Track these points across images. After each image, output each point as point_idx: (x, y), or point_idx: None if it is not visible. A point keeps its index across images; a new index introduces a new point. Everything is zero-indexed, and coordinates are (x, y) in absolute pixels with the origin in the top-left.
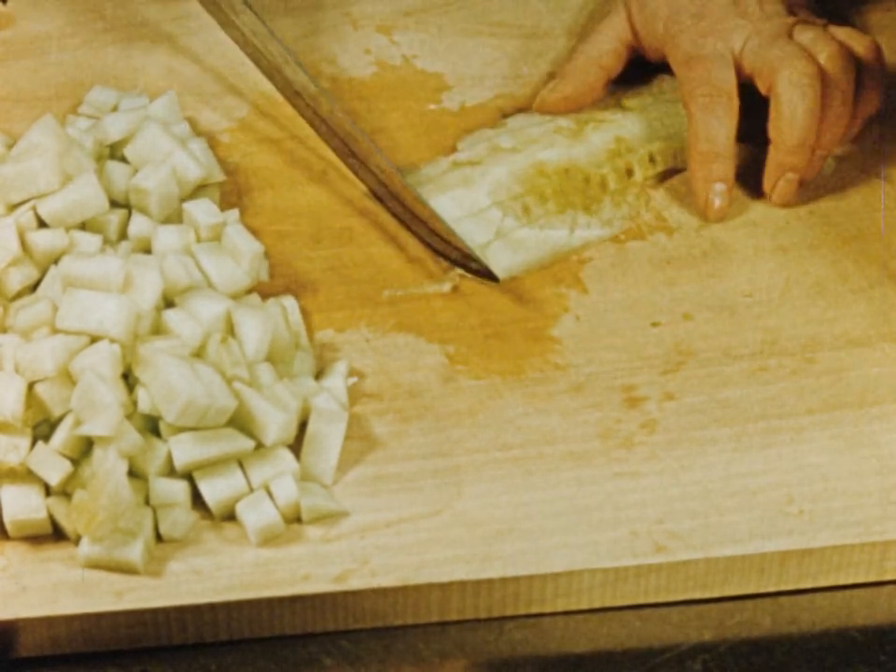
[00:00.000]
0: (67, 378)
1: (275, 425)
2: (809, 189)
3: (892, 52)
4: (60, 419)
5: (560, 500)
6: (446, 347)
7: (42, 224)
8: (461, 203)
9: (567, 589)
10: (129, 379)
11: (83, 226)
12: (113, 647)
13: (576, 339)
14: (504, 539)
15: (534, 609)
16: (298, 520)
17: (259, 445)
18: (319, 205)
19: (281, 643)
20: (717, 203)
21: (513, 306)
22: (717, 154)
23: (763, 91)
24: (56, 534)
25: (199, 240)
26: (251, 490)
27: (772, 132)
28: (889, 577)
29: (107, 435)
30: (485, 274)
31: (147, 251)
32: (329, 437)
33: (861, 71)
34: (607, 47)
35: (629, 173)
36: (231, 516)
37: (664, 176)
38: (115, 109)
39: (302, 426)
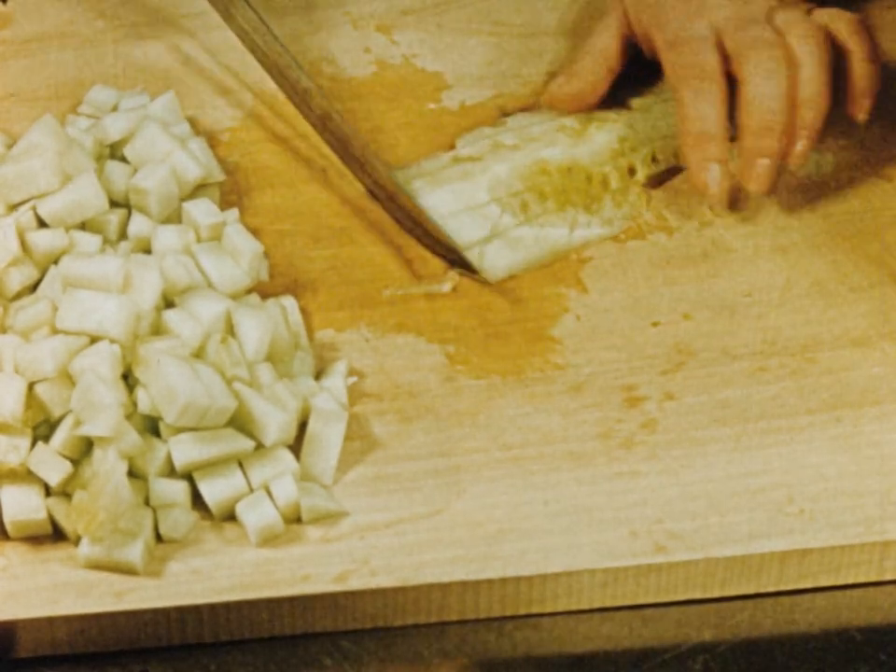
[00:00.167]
0: (67, 378)
1: (275, 425)
2: (809, 189)
3: (893, 52)
4: (60, 420)
5: (560, 500)
6: (446, 347)
7: (42, 224)
8: (460, 197)
9: (567, 589)
10: (129, 379)
11: (83, 226)
12: (113, 647)
13: (576, 339)
14: (504, 539)
15: (534, 609)
16: (298, 520)
17: (259, 445)
18: (319, 205)
19: (281, 643)
20: (714, 183)
21: (513, 306)
22: (710, 135)
23: (735, 75)
24: (56, 534)
25: (199, 240)
26: (251, 490)
27: (739, 116)
28: (888, 577)
29: (107, 435)
30: (474, 272)
31: (147, 251)
32: (328, 437)
33: (848, 51)
34: (609, 42)
35: (631, 172)
36: (230, 516)
37: (665, 176)
38: (115, 109)
39: (302, 426)
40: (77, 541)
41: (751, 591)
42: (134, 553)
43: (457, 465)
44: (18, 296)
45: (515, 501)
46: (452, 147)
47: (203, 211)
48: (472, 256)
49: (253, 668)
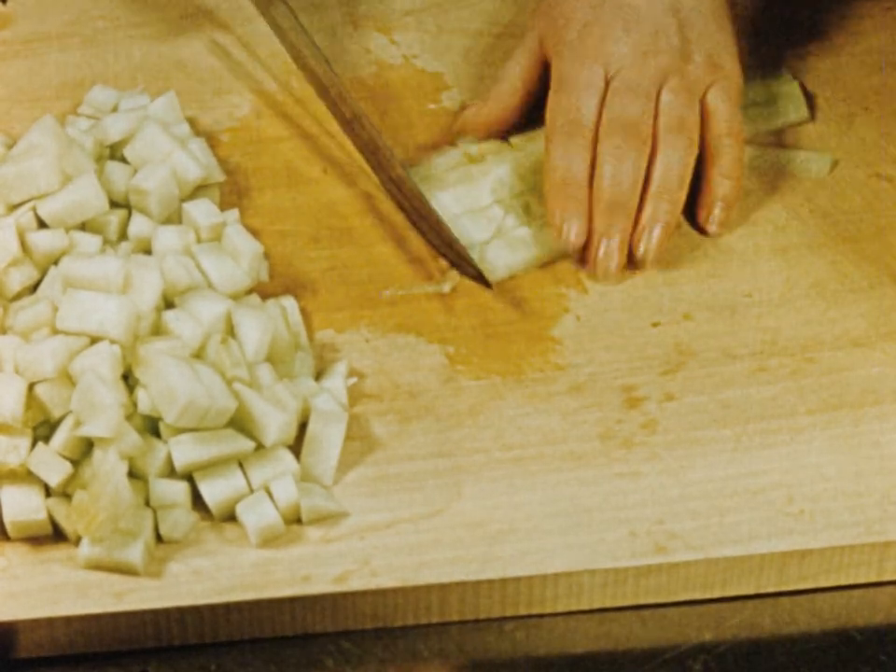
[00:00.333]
0: (67, 379)
1: (275, 425)
2: (809, 189)
3: (892, 53)
4: (60, 420)
5: (560, 501)
6: (446, 347)
7: (42, 225)
8: (463, 200)
9: (568, 589)
10: (129, 380)
11: (83, 226)
12: (113, 647)
13: (576, 339)
14: (504, 539)
15: (534, 610)
16: (298, 521)
17: (260, 446)
18: (319, 205)
19: (281, 644)
20: (571, 234)
21: (513, 306)
22: (571, 185)
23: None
24: (56, 535)
25: (199, 240)
26: (251, 491)
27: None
28: (888, 577)
29: (107, 436)
30: (479, 279)
31: (147, 252)
32: (329, 437)
33: (711, 155)
34: (524, 67)
35: None
36: (231, 517)
37: None
38: (115, 109)
39: (302, 426)
40: (77, 542)
41: (751, 591)
42: (135, 553)
43: (457, 465)
44: (18, 296)
45: (515, 501)
46: (452, 146)
47: (203, 211)
48: (473, 257)
49: (253, 668)
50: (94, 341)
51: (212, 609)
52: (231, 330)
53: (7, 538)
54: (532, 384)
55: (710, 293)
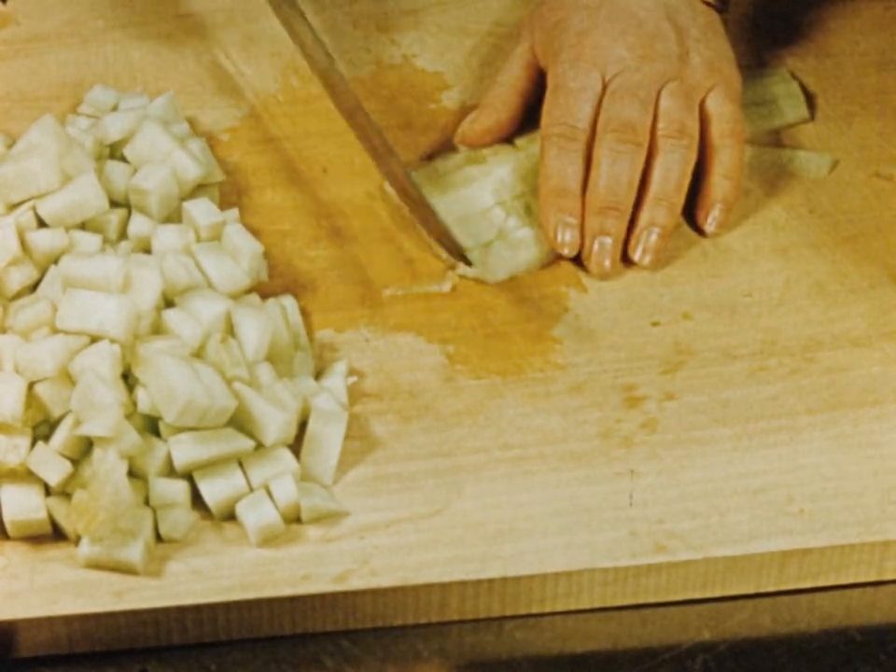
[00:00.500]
0: (67, 378)
1: (275, 425)
2: (809, 189)
3: (893, 50)
4: (60, 419)
5: (560, 500)
6: (446, 347)
7: (42, 224)
8: (465, 202)
9: (567, 589)
10: (129, 379)
11: (83, 226)
12: (113, 647)
13: (576, 339)
14: (504, 539)
15: (534, 609)
16: (298, 520)
17: (259, 445)
18: (319, 205)
19: (281, 643)
20: (565, 241)
21: (513, 306)
22: (565, 193)
23: (592, 149)
24: (56, 534)
25: (199, 240)
26: (251, 490)
27: (588, 194)
28: (888, 577)
29: (107, 435)
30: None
31: (147, 251)
32: (328, 437)
33: (711, 157)
34: (519, 73)
35: None
36: (230, 516)
37: None
38: (115, 109)
39: (302, 426)
40: (76, 541)
41: (751, 591)
42: (134, 552)
43: (457, 465)
44: (18, 296)
45: (515, 501)
46: (452, 147)
47: (203, 211)
48: (473, 257)
49: (253, 668)
50: (94, 340)
51: (212, 608)
52: (230, 330)
53: (6, 537)
54: (532, 383)
55: (710, 293)
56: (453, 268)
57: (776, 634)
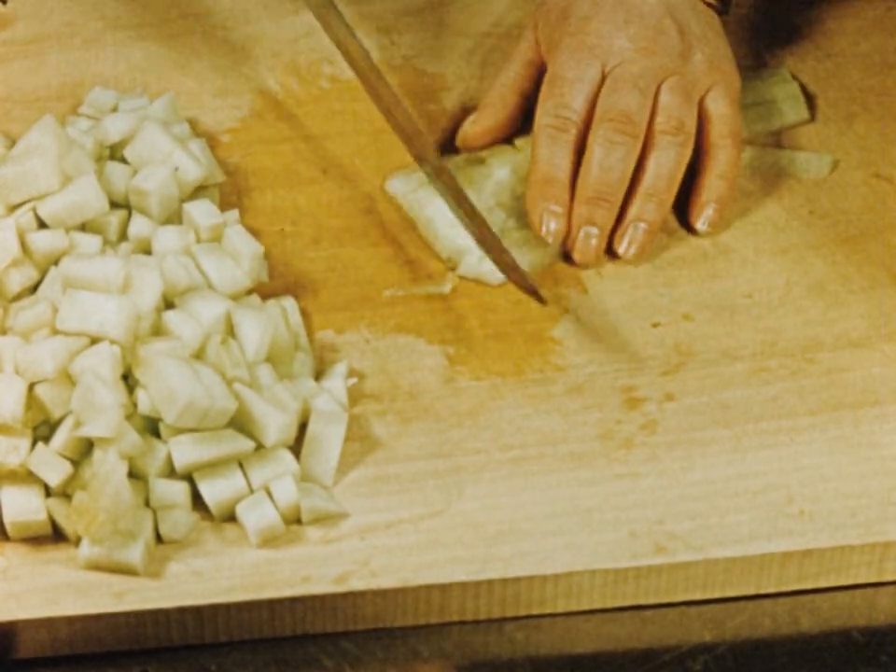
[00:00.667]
0: (67, 379)
1: (275, 426)
2: (809, 189)
3: (893, 51)
4: (60, 420)
5: (560, 501)
6: (446, 348)
7: (42, 225)
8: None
9: (568, 590)
10: (129, 380)
11: (83, 227)
12: (113, 648)
13: (576, 339)
14: (504, 539)
15: (534, 610)
16: (298, 521)
17: (260, 446)
18: (319, 205)
19: (281, 644)
20: (551, 231)
21: (513, 307)
22: (553, 183)
23: (586, 139)
24: (56, 535)
25: (199, 241)
26: (251, 491)
27: (579, 183)
28: (889, 577)
29: (107, 436)
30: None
31: (147, 252)
32: (329, 438)
33: (707, 157)
34: (520, 72)
35: None
36: (231, 517)
37: None
38: (115, 110)
39: (302, 427)
40: (77, 542)
41: (751, 592)
42: (135, 553)
43: (457, 466)
44: (18, 297)
45: (515, 502)
46: (453, 148)
47: (203, 212)
48: (473, 259)
49: (253, 668)
50: (94, 341)
51: (212, 609)
52: (230, 331)
53: (6, 538)
54: (532, 384)
55: (710, 294)
56: (453, 268)
57: (776, 635)
